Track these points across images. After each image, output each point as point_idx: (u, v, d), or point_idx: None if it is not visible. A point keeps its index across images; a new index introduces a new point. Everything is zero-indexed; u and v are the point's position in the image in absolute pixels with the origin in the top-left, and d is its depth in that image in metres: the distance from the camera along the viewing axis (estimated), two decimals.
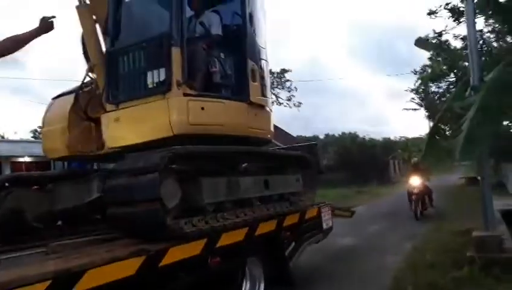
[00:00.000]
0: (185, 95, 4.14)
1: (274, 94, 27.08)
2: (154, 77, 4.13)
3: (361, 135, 42.32)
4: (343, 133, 53.61)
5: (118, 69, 4.40)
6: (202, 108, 4.23)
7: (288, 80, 27.32)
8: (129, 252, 3.21)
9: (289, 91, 27.51)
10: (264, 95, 5.20)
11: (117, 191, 3.48)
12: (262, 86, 5.16)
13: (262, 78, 5.15)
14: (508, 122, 13.58)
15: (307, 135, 77.34)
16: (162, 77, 4.08)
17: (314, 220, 6.69)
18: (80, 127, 4.90)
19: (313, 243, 6.79)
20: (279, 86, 27.16)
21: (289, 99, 27.41)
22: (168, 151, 3.53)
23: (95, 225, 4.79)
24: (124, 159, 3.84)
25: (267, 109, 5.40)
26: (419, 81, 20.83)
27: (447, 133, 7.93)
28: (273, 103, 26.06)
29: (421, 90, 22.00)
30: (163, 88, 4.08)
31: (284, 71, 27.22)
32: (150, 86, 4.16)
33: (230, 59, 4.87)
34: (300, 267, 6.68)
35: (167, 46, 4.08)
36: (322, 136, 69.22)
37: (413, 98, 24.45)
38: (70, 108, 4.85)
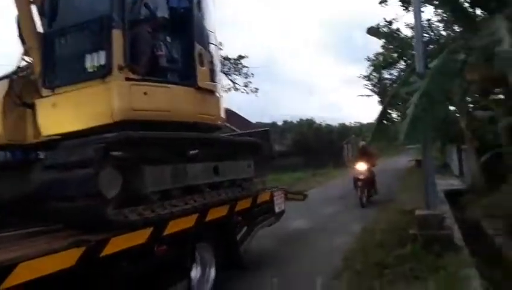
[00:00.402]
0: (127, 79, 3.98)
1: (231, 80, 26.86)
2: (93, 61, 3.94)
3: (318, 121, 43.10)
4: (301, 120, 54.29)
5: (55, 52, 4.17)
6: (145, 93, 4.08)
7: (245, 66, 27.11)
8: (67, 243, 3.11)
9: (246, 77, 27.32)
10: (213, 80, 5.11)
11: (51, 186, 3.33)
12: (211, 70, 5.06)
13: (211, 62, 5.05)
14: (453, 108, 14.29)
15: (266, 122, 77.81)
16: (102, 61, 3.90)
17: (266, 204, 6.79)
18: (14, 114, 4.60)
19: (266, 226, 6.88)
20: (236, 72, 26.89)
21: (246, 86, 27.23)
22: (103, 141, 3.38)
23: (36, 216, 4.57)
24: (56, 149, 3.61)
25: (217, 94, 5.31)
26: (372, 68, 21.37)
27: (395, 118, 8.19)
28: (230, 88, 26.09)
29: (372, 76, 22.59)
30: (103, 72, 3.91)
31: (240, 57, 26.95)
32: (90, 69, 3.97)
33: (176, 43, 4.73)
34: (253, 251, 6.73)
35: (107, 28, 3.90)
36: (280, 123, 69.90)
37: (366, 85, 25.13)
38: (5, 94, 4.53)
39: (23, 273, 2.66)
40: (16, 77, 4.62)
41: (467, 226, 8.83)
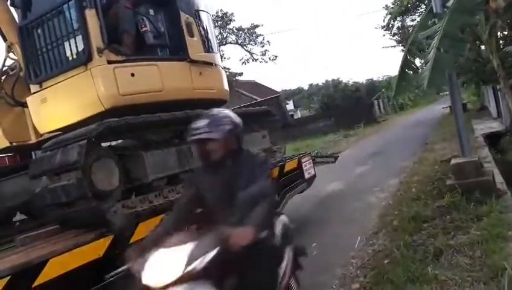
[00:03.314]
0: (110, 62, 3.70)
1: (247, 51, 26.21)
2: (72, 47, 3.69)
3: (344, 80, 41.92)
4: (327, 81, 53.22)
5: (35, 44, 3.93)
6: (132, 74, 3.78)
7: (260, 35, 26.35)
8: (95, 235, 3.13)
9: (262, 46, 26.57)
10: (208, 50, 4.72)
11: (44, 196, 3.20)
12: (204, 40, 4.67)
13: (202, 32, 4.66)
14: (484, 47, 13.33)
15: (292, 88, 76.98)
16: (80, 46, 3.63)
17: (295, 172, 6.69)
18: (11, 115, 4.49)
19: (297, 193, 6.80)
20: (251, 42, 26.18)
21: (264, 54, 26.47)
22: (83, 138, 3.14)
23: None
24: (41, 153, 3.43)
25: (215, 65, 4.92)
26: (389, 16, 20.13)
27: (418, 66, 7.62)
28: (248, 60, 25.56)
29: (390, 25, 21.36)
30: (83, 58, 3.64)
31: (254, 26, 26.20)
32: (70, 58, 3.73)
33: (160, 15, 4.37)
34: (289, 219, 6.61)
35: (79, 9, 3.60)
36: (306, 87, 69.02)
37: (383, 35, 23.97)
38: None
39: (54, 269, 2.71)
40: (5, 77, 4.46)
41: (509, 169, 8.31)
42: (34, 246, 3.27)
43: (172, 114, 3.91)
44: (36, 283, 2.60)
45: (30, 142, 4.56)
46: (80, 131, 3.20)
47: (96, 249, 3.03)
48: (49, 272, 2.67)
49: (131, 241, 3.28)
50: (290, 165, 6.54)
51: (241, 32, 25.29)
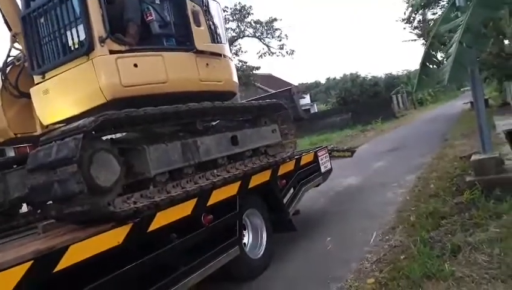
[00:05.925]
0: (112, 52, 3.57)
1: (265, 44, 26.13)
2: (74, 37, 3.57)
3: (363, 75, 41.28)
4: (344, 75, 52.50)
5: (37, 34, 3.83)
6: (135, 65, 3.65)
7: (277, 29, 26.20)
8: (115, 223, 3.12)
9: (280, 40, 26.44)
10: (215, 40, 4.56)
11: (39, 192, 3.07)
12: (212, 30, 4.51)
13: (209, 21, 4.49)
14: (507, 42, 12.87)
15: (309, 82, 76.35)
16: (82, 35, 3.51)
17: (311, 165, 6.66)
18: (16, 106, 4.40)
19: (313, 186, 6.77)
20: (269, 36, 26.05)
21: (281, 48, 26.32)
22: (80, 130, 3.00)
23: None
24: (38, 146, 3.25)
25: (224, 56, 4.75)
26: (410, 9, 19.60)
27: (440, 60, 7.35)
28: (265, 53, 25.40)
29: (412, 18, 20.83)
30: (86, 48, 3.52)
31: (273, 20, 26.03)
32: (72, 47, 3.61)
33: (166, 3, 4.21)
34: (305, 213, 6.80)
35: None
36: (324, 81, 68.38)
37: (404, 28, 23.53)
38: (2, 87, 4.36)
39: (75, 255, 2.74)
40: (11, 68, 4.40)
41: None
42: (55, 233, 3.31)
43: (176, 107, 3.75)
44: (57, 269, 2.62)
45: (35, 133, 4.47)
46: (78, 124, 3.08)
47: (115, 236, 3.06)
48: (69, 258, 2.70)
49: (149, 229, 3.35)
50: (306, 159, 6.49)
51: (258, 25, 25.23)
